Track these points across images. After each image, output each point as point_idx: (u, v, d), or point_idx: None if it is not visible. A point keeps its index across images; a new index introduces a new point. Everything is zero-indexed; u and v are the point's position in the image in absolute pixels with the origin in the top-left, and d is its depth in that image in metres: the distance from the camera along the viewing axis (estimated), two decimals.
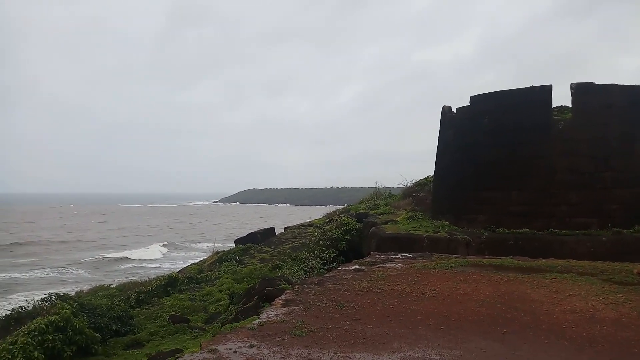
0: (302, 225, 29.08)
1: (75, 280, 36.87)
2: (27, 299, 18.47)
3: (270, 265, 19.07)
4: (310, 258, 16.63)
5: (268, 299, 10.31)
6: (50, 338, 10.65)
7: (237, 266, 21.36)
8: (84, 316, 12.57)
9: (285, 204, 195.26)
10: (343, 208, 26.47)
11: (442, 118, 15.73)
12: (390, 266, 8.92)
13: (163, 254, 54.35)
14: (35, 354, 10.25)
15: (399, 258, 9.96)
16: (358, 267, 8.88)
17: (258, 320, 5.52)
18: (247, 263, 21.75)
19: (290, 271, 16.43)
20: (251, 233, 29.45)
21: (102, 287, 21.39)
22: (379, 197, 24.29)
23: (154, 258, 50.65)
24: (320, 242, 17.27)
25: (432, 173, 17.90)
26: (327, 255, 16.38)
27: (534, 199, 12.36)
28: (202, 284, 19.05)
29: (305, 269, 16.06)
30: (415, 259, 9.76)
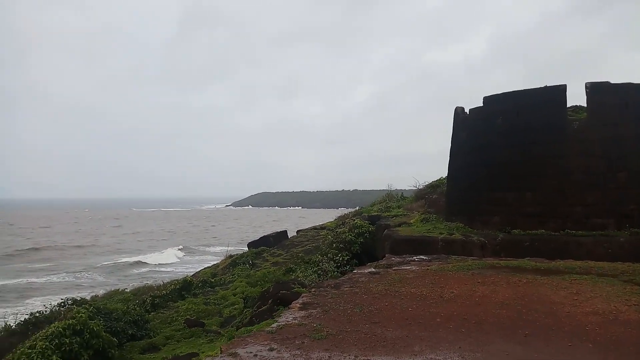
0: (315, 228, 29.01)
1: (91, 284, 37.22)
2: (44, 303, 18.69)
3: (283, 268, 19.05)
4: (323, 261, 16.58)
5: (282, 302, 10.31)
6: (68, 342, 10.72)
7: (251, 270, 21.38)
8: (100, 320, 12.66)
9: (297, 207, 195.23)
10: (355, 211, 26.38)
11: (455, 119, 15.64)
12: (406, 269, 8.88)
13: (179, 258, 54.22)
14: (54, 357, 10.33)
15: (414, 260, 9.91)
16: (374, 269, 8.85)
17: (277, 323, 5.52)
18: (261, 266, 21.76)
19: (303, 274, 16.39)
20: (264, 236, 29.44)
21: (117, 292, 21.55)
22: (391, 199, 24.16)
23: (169, 262, 50.61)
24: (334, 245, 17.23)
25: (444, 174, 17.78)
26: (341, 258, 16.33)
27: (549, 199, 12.23)
28: (216, 287, 19.11)
29: (319, 272, 16.01)
30: (431, 262, 9.71)
